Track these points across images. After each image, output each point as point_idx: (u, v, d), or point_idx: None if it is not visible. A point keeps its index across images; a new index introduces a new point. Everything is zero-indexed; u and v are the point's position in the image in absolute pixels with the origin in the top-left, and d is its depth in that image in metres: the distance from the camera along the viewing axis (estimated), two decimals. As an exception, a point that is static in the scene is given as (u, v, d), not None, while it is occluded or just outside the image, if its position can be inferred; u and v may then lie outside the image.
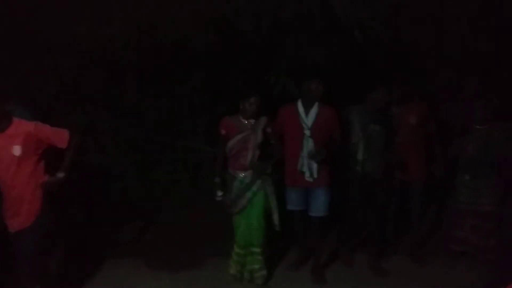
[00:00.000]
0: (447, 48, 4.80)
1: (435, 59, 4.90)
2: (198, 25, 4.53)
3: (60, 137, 3.67)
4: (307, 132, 4.15)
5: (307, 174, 4.16)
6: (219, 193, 4.17)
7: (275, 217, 4.20)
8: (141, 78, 5.25)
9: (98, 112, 5.33)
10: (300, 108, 4.22)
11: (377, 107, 4.31)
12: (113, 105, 5.36)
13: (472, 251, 4.56)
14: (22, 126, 3.56)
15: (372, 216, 4.49)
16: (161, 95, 5.31)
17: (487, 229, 4.43)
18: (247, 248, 4.18)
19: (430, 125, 4.58)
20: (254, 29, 4.51)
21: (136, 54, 4.74)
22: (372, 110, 4.32)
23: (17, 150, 3.51)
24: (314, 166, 4.14)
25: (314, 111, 4.18)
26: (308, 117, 4.17)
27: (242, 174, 4.15)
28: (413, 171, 4.50)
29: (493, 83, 4.95)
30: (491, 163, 4.36)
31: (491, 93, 4.69)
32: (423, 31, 4.67)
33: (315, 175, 4.15)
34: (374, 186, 4.39)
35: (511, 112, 4.60)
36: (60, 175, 3.63)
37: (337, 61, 4.65)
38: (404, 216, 4.72)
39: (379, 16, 4.43)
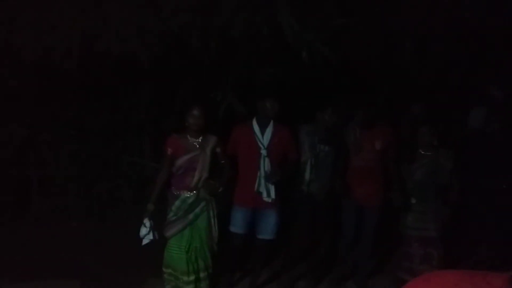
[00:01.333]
0: (393, 70, 4.86)
1: (382, 80, 4.95)
2: (144, 39, 4.43)
3: None
4: (264, 152, 4.06)
5: (264, 195, 4.04)
6: (147, 223, 3.84)
7: (214, 242, 4.06)
8: (84, 91, 5.08)
9: (39, 124, 5.11)
10: (256, 127, 4.12)
11: (325, 127, 4.27)
12: (54, 117, 5.16)
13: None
14: None
15: (317, 238, 4.43)
16: (105, 109, 5.15)
17: (434, 257, 4.35)
18: (189, 274, 3.94)
19: (392, 151, 4.44)
20: (202, 45, 4.44)
21: (79, 65, 4.59)
22: (321, 130, 4.28)
23: None
24: (271, 186, 4.04)
25: (269, 130, 4.11)
26: (264, 136, 4.09)
27: (186, 194, 3.95)
28: (368, 196, 4.35)
29: (440, 108, 5.04)
30: (437, 188, 4.37)
31: (436, 118, 4.74)
32: (370, 53, 4.71)
33: (273, 196, 4.05)
34: (317, 208, 4.32)
35: (456, 138, 4.70)
36: None
37: (285, 81, 4.62)
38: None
39: (326, 38, 4.44)
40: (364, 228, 4.41)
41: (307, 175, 4.27)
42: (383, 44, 4.75)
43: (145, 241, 3.86)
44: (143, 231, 3.86)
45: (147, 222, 3.85)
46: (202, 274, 3.99)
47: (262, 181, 4.03)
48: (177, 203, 3.95)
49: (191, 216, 3.94)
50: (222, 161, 4.06)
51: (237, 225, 4.15)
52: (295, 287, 4.53)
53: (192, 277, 3.94)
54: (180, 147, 3.94)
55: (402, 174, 4.44)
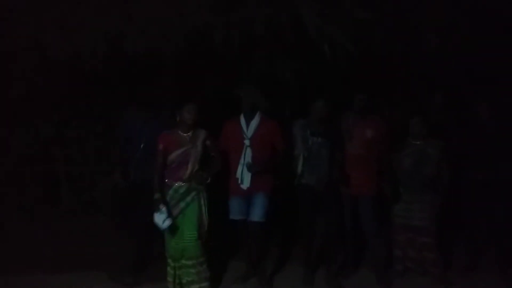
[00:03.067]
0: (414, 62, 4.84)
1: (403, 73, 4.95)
2: (167, 36, 4.51)
3: None
4: (247, 142, 4.29)
5: (239, 181, 4.29)
6: (162, 207, 4.02)
7: (203, 230, 4.19)
8: (111, 88, 5.18)
9: (66, 121, 5.25)
10: (242, 120, 4.36)
11: (318, 119, 4.33)
12: (82, 114, 5.29)
13: (412, 266, 4.55)
14: None
15: (320, 230, 4.48)
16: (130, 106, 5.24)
17: (420, 243, 4.46)
18: (179, 261, 4.12)
19: (384, 142, 4.47)
20: (224, 41, 4.51)
21: (105, 63, 4.69)
22: (313, 122, 4.35)
23: None
24: (248, 174, 4.27)
25: (255, 122, 4.32)
26: (249, 128, 4.32)
27: (178, 184, 4.13)
28: (361, 185, 4.40)
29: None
30: (424, 178, 4.41)
31: (428, 108, 4.72)
32: (392, 47, 4.71)
33: (247, 184, 4.27)
34: (318, 200, 4.38)
35: (446, 129, 4.70)
36: None
37: (307, 75, 4.66)
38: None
39: (348, 32, 4.46)
40: (361, 218, 4.48)
41: (299, 168, 4.37)
42: (405, 37, 4.73)
43: (165, 225, 3.99)
44: (161, 217, 4.01)
45: (162, 207, 4.02)
46: (188, 262, 4.13)
47: (240, 168, 4.29)
48: (170, 192, 4.14)
49: (182, 204, 4.13)
50: (212, 154, 4.27)
51: (233, 212, 4.37)
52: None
53: (183, 263, 4.11)
54: (172, 142, 4.14)
55: (392, 163, 4.50)
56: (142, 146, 4.37)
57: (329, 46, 4.51)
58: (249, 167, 4.23)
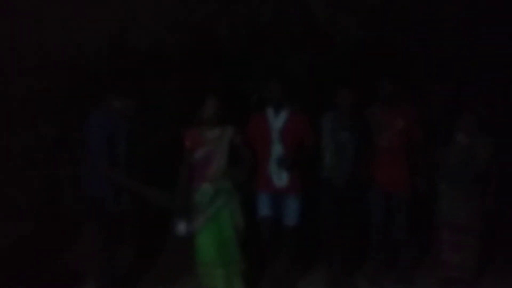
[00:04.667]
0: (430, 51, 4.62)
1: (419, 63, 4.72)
2: (172, 30, 4.38)
3: None
4: (275, 137, 4.03)
5: (275, 178, 4.02)
6: (181, 219, 3.77)
7: (240, 232, 3.90)
8: (114, 88, 5.03)
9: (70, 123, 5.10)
10: (270, 114, 4.08)
11: (347, 112, 4.08)
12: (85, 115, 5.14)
13: (455, 274, 4.24)
14: None
15: (342, 227, 4.19)
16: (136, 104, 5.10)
17: (464, 245, 4.17)
18: (218, 266, 3.83)
19: (416, 131, 4.21)
20: (230, 34, 4.35)
21: (109, 62, 4.57)
22: (342, 116, 4.11)
23: None
24: (283, 171, 4.01)
25: (283, 116, 4.06)
26: (276, 122, 4.06)
27: (205, 187, 3.84)
28: (394, 181, 4.13)
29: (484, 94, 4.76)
30: (471, 175, 4.15)
31: (479, 104, 4.49)
32: (406, 34, 4.50)
33: (285, 181, 4.01)
34: (339, 196, 4.12)
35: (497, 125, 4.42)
36: None
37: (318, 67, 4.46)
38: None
39: (360, 19, 4.27)
40: (394, 216, 4.20)
41: (327, 162, 4.14)
42: (420, 24, 4.52)
43: (182, 231, 3.77)
44: (181, 226, 3.76)
45: (180, 218, 3.77)
46: (232, 268, 3.87)
47: (273, 165, 4.02)
48: (197, 197, 3.87)
49: (213, 209, 3.85)
50: (242, 151, 3.97)
51: (261, 208, 4.09)
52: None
53: (222, 270, 3.83)
54: (197, 140, 3.87)
55: (436, 158, 4.24)
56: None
57: (341, 35, 4.30)
58: (281, 163, 3.98)
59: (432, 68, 4.78)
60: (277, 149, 3.99)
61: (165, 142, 5.04)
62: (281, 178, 4.00)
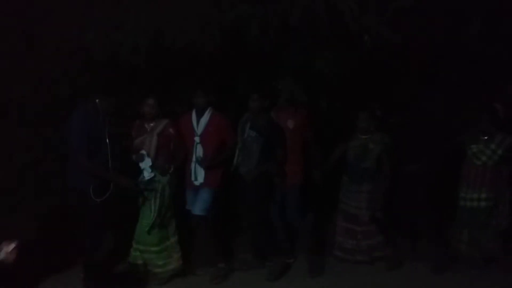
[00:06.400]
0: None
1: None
2: (205, 30, 4.54)
3: None
4: (197, 139, 4.46)
5: (193, 178, 4.47)
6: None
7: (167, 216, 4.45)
8: (151, 85, 5.23)
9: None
10: (193, 116, 4.52)
11: (256, 114, 4.50)
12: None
13: (346, 256, 4.73)
14: None
15: (249, 219, 4.65)
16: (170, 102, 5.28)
17: (352, 232, 4.68)
18: (143, 246, 4.41)
19: (307, 131, 4.68)
20: (261, 34, 4.49)
21: (146, 60, 4.75)
22: (252, 117, 4.53)
23: None
24: (201, 171, 4.45)
25: (204, 118, 4.49)
26: (199, 124, 4.48)
27: (145, 173, 4.38)
28: (290, 176, 4.60)
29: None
30: (364, 170, 4.61)
31: (377, 104, 4.78)
32: (433, 35, 4.57)
33: (201, 180, 4.46)
34: (246, 190, 4.53)
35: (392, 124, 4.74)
36: None
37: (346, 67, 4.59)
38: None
39: (387, 20, 4.36)
40: (286, 206, 4.67)
41: (235, 160, 4.59)
42: (447, 24, 4.58)
43: (147, 175, 4.32)
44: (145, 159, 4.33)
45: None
46: (154, 248, 4.41)
47: (193, 166, 4.46)
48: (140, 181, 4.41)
49: (148, 193, 4.37)
50: (176, 143, 4.46)
51: (187, 202, 4.60)
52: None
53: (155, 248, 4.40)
54: (139, 130, 4.48)
55: (337, 152, 4.72)
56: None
57: (368, 36, 4.41)
58: (201, 162, 4.41)
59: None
60: (197, 151, 4.46)
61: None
62: (197, 178, 4.46)
